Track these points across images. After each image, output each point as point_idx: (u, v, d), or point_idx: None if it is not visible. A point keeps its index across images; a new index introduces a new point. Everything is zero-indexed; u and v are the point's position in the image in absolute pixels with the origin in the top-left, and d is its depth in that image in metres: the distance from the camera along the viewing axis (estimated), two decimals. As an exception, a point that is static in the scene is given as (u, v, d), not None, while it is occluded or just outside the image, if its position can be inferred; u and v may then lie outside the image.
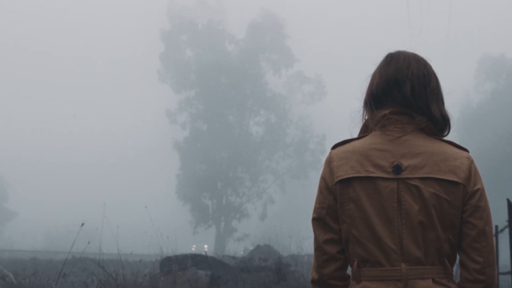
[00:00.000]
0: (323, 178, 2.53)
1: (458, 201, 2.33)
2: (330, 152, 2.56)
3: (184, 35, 64.31)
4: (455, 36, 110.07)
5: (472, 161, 2.43)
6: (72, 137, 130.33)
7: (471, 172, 2.39)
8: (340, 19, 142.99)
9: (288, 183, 65.30)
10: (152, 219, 14.50)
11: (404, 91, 2.45)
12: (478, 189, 2.38)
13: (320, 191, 2.52)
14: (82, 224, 8.37)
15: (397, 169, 2.35)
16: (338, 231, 2.45)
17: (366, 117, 2.60)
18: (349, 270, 2.51)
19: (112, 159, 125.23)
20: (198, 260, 15.94)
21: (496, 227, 8.83)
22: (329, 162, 2.52)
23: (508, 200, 6.82)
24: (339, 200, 2.42)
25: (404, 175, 2.34)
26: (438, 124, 2.46)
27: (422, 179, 2.33)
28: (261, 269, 16.90)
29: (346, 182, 2.41)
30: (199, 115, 62.87)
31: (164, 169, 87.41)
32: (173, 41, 63.78)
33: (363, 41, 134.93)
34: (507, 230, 7.58)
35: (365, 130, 2.59)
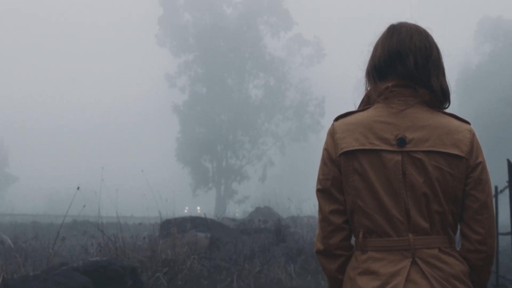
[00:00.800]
0: (326, 150, 2.54)
1: (461, 174, 2.37)
2: (333, 124, 2.57)
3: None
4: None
5: (473, 134, 2.46)
6: (72, 102, 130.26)
7: (473, 146, 2.43)
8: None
9: (287, 145, 65.38)
10: (150, 182, 14.53)
11: (407, 64, 2.46)
12: (480, 162, 2.43)
13: (324, 163, 2.53)
14: (78, 188, 8.35)
15: (402, 142, 2.38)
16: (343, 202, 2.48)
17: (369, 88, 2.61)
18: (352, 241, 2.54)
19: (111, 124, 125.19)
20: (197, 222, 16.00)
21: (496, 187, 8.82)
22: (332, 133, 2.53)
23: (508, 161, 6.81)
24: (344, 172, 2.45)
25: (409, 148, 2.37)
26: (438, 97, 2.48)
27: (426, 152, 2.36)
28: (261, 231, 16.99)
29: (351, 154, 2.43)
30: (198, 78, 62.66)
31: (163, 133, 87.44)
32: (172, 4, 63.22)
33: (362, 3, 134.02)
34: (507, 191, 7.57)
35: (368, 101, 2.60)
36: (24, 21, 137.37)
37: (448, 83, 2.54)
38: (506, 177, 7.83)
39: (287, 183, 78.68)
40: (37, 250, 13.21)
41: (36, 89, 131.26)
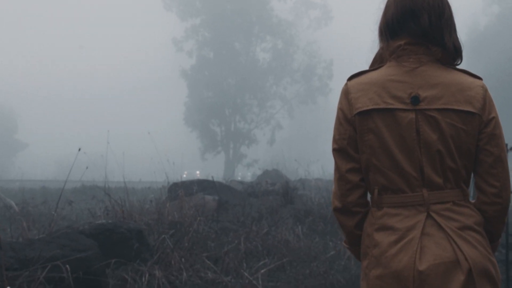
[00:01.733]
0: (341, 110, 2.57)
1: (474, 130, 2.43)
2: (347, 84, 2.60)
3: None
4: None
5: (486, 90, 2.50)
6: (79, 68, 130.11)
7: (486, 101, 2.47)
8: None
9: (296, 108, 65.12)
10: (159, 146, 14.48)
11: (420, 22, 2.49)
12: (493, 117, 2.49)
13: (340, 123, 2.57)
14: (79, 149, 8.28)
15: (415, 100, 2.42)
16: (359, 160, 2.54)
17: (381, 46, 2.65)
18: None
19: (118, 89, 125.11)
20: (205, 185, 15.96)
21: (506, 145, 8.73)
22: (346, 93, 2.57)
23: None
24: (359, 131, 2.50)
25: (422, 106, 2.41)
26: (451, 54, 2.52)
27: (439, 110, 2.41)
28: (269, 193, 16.95)
29: (365, 113, 2.47)
30: (206, 42, 62.20)
31: (171, 97, 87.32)
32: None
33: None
34: (515, 148, 7.48)
35: (380, 60, 2.65)
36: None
37: (460, 40, 2.57)
38: (515, 135, 7.72)
39: (296, 146, 78.84)
40: (45, 214, 13.23)
41: (44, 56, 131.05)
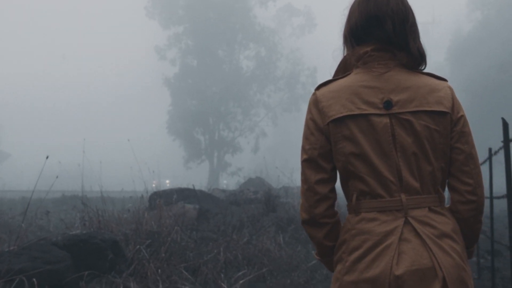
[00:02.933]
0: (311, 120, 2.54)
1: (446, 130, 2.44)
2: (315, 93, 2.59)
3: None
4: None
5: (452, 90, 2.54)
6: (62, 78, 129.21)
7: (454, 101, 2.50)
8: None
9: (280, 116, 65.17)
10: (140, 153, 14.25)
11: (385, 29, 2.49)
12: (462, 115, 2.50)
13: (310, 132, 2.53)
14: (47, 157, 8.02)
15: (388, 104, 2.42)
16: (330, 171, 2.52)
17: (346, 53, 2.64)
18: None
19: (101, 98, 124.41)
20: (186, 194, 15.74)
21: (490, 150, 8.53)
22: (316, 102, 2.55)
23: (503, 119, 6.47)
24: (333, 139, 2.47)
25: (395, 110, 2.41)
26: (416, 59, 2.52)
27: (412, 112, 2.41)
28: (251, 201, 16.75)
29: (339, 121, 2.45)
30: (189, 50, 62.04)
31: (154, 106, 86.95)
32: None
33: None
34: (501, 153, 7.28)
35: (345, 68, 2.65)
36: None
37: (423, 45, 2.57)
38: (498, 142, 7.55)
39: (280, 153, 78.75)
40: (11, 226, 12.96)
41: (26, 66, 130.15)
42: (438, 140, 2.42)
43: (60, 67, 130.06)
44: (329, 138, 2.48)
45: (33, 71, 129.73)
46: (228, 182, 61.20)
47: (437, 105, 2.43)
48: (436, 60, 70.25)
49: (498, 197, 7.55)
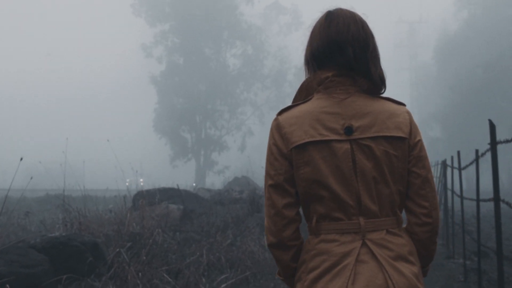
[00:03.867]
0: (275, 145, 2.56)
1: (404, 155, 2.49)
2: (277, 119, 2.61)
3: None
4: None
5: (411, 115, 2.59)
6: (47, 75, 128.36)
7: (412, 126, 2.54)
8: None
9: (267, 114, 64.94)
10: (126, 152, 14.08)
11: (346, 55, 2.51)
12: (419, 140, 2.56)
13: (275, 158, 2.55)
14: (21, 158, 7.85)
15: (349, 130, 2.46)
16: (294, 195, 2.54)
17: (309, 77, 2.64)
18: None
19: (87, 96, 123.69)
20: (170, 194, 15.58)
21: (477, 151, 8.43)
22: (278, 128, 2.57)
23: (490, 121, 6.35)
24: (295, 164, 2.50)
25: (356, 135, 2.45)
26: (377, 85, 2.55)
27: (372, 138, 2.45)
28: (236, 201, 16.61)
29: (301, 147, 2.47)
30: (175, 48, 61.74)
31: (141, 104, 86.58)
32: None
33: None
34: (487, 155, 7.16)
35: (306, 91, 2.64)
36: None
37: (383, 70, 2.61)
38: (485, 142, 7.44)
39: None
40: (4, 225, 12.75)
41: (9, 63, 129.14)
42: (396, 164, 2.47)
43: (44, 64, 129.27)
44: (292, 164, 2.51)
45: (15, 68, 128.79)
46: (215, 181, 61.03)
47: (396, 130, 2.47)
48: (423, 59, 70.35)
49: (485, 200, 7.45)
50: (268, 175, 2.58)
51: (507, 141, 6.16)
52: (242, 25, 62.45)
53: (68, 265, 7.40)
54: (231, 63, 64.56)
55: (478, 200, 8.53)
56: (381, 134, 2.45)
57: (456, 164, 11.85)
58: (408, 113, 2.58)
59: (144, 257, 7.87)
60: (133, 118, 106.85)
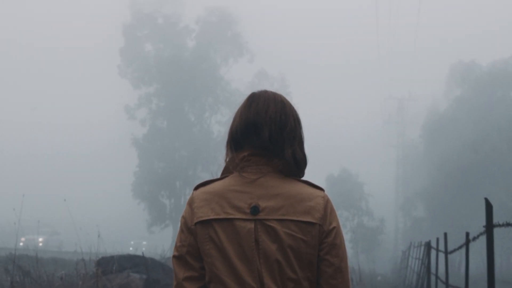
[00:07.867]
0: (184, 218, 2.58)
1: (314, 241, 2.43)
2: (192, 193, 2.61)
3: (144, 29, 62.50)
4: (426, 42, 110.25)
5: (327, 200, 2.52)
6: (28, 129, 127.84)
7: (327, 211, 2.48)
8: (307, 26, 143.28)
9: (249, 182, 64.37)
10: (105, 216, 13.22)
11: (261, 136, 2.51)
12: (334, 227, 2.48)
13: (182, 230, 2.57)
14: None
15: (255, 210, 2.42)
16: (199, 269, 2.52)
17: (228, 158, 2.64)
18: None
19: (68, 153, 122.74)
20: (136, 262, 14.73)
21: (467, 234, 7.63)
22: (190, 203, 2.57)
23: (486, 200, 5.56)
24: (199, 240, 2.48)
25: (262, 216, 2.41)
26: (291, 167, 2.52)
27: (278, 220, 2.40)
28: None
29: (206, 223, 2.46)
30: (159, 111, 61.40)
31: (121, 166, 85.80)
32: (134, 35, 62.03)
33: (330, 49, 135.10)
34: (480, 239, 6.34)
35: (228, 171, 2.61)
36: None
37: (304, 152, 2.60)
38: (476, 223, 6.66)
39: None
40: None
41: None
42: (304, 250, 2.40)
43: (27, 118, 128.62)
44: (196, 239, 2.48)
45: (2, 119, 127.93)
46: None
47: (305, 215, 2.42)
48: (411, 137, 70.24)
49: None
50: (175, 245, 2.56)
51: (507, 225, 5.29)
52: (225, 89, 62.38)
53: None
54: (215, 130, 64.17)
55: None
56: (288, 217, 2.39)
57: (442, 247, 10.98)
58: (324, 197, 2.51)
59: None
60: (112, 178, 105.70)
